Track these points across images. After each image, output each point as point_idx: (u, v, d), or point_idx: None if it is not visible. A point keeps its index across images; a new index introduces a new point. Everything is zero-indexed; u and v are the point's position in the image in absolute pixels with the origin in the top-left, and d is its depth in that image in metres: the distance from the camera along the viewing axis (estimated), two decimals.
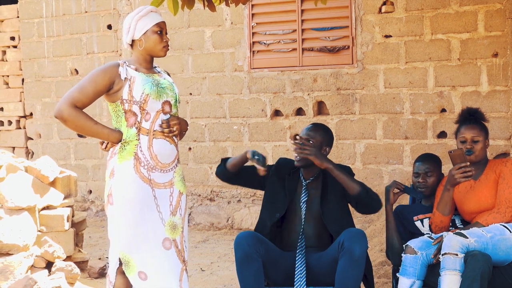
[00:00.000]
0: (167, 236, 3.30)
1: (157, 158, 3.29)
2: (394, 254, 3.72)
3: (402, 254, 3.56)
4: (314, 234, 3.70)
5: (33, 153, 8.19)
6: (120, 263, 3.29)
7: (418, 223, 3.82)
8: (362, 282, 3.57)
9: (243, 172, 3.83)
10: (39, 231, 4.70)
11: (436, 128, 6.16)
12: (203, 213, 7.19)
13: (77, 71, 7.86)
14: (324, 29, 6.56)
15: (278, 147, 6.80)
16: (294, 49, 6.69)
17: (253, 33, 6.87)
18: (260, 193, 6.65)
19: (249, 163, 3.71)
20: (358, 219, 6.09)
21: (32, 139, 8.23)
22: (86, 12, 7.75)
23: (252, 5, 6.82)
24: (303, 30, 6.64)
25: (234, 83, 7.02)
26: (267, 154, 6.84)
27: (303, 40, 6.64)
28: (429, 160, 3.87)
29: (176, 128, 3.33)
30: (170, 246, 3.31)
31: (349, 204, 3.77)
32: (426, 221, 3.80)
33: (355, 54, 6.43)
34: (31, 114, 8.21)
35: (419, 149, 6.07)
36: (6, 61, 8.31)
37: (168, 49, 3.40)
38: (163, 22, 3.35)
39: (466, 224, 3.71)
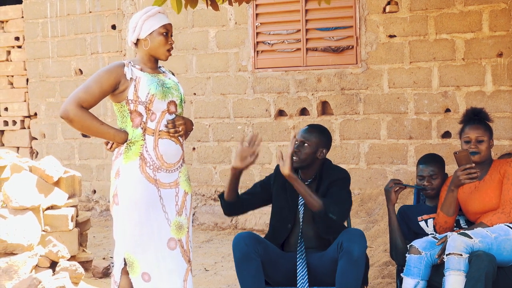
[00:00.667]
0: (172, 236, 3.30)
1: (163, 158, 3.29)
2: (398, 254, 3.72)
3: (406, 255, 3.56)
4: (314, 235, 3.69)
5: (37, 153, 8.21)
6: (125, 263, 3.29)
7: (422, 223, 3.82)
8: None
9: (244, 197, 3.82)
10: (43, 231, 4.70)
11: (441, 128, 6.15)
12: (207, 213, 7.20)
13: (81, 71, 7.87)
14: (328, 29, 6.56)
15: (282, 147, 6.78)
16: (298, 49, 6.69)
17: (257, 33, 6.87)
18: None
19: (242, 185, 3.74)
20: (362, 219, 6.08)
21: (36, 139, 8.24)
22: (91, 12, 7.76)
23: (256, 5, 6.82)
24: (307, 30, 6.64)
25: (238, 83, 7.02)
26: (271, 154, 6.84)
27: (307, 40, 6.64)
28: (433, 162, 3.85)
29: (181, 128, 3.33)
30: (175, 247, 3.31)
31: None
32: (430, 222, 3.79)
33: (359, 54, 6.43)
34: (36, 114, 8.22)
35: (424, 149, 6.06)
36: (11, 61, 8.33)
37: (171, 55, 3.40)
38: (170, 25, 3.35)
39: (471, 224, 3.70)
